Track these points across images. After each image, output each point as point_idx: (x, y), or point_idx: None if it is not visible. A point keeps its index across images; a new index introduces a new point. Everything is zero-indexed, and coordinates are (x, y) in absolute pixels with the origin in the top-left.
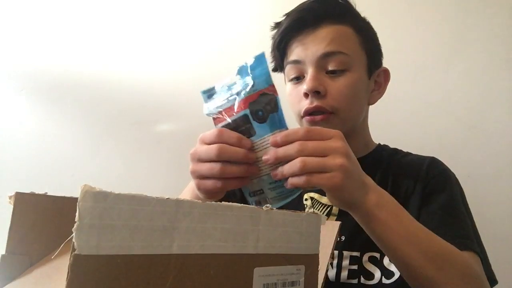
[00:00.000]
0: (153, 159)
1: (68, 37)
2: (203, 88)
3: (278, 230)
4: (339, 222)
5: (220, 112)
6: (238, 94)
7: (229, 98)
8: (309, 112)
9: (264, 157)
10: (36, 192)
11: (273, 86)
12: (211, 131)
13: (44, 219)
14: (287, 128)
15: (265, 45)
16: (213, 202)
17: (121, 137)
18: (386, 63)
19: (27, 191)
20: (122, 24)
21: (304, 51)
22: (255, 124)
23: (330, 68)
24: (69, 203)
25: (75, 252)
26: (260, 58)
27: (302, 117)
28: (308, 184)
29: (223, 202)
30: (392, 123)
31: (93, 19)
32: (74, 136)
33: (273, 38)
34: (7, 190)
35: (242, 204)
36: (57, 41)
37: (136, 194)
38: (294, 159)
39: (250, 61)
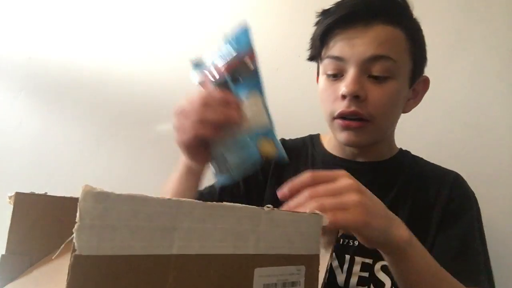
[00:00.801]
0: (153, 159)
1: (68, 37)
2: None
3: (278, 230)
4: None
5: (205, 76)
6: (221, 60)
7: (213, 64)
8: (344, 115)
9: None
10: (36, 192)
11: (252, 54)
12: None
13: (44, 219)
14: (261, 90)
15: (266, 44)
16: (213, 202)
17: (121, 137)
18: None
19: (27, 191)
20: (122, 24)
21: (350, 49)
22: (233, 87)
23: (374, 73)
24: (69, 203)
25: (76, 253)
26: (244, 29)
27: (335, 118)
28: (335, 220)
29: (224, 203)
30: None
31: (93, 18)
32: (74, 136)
33: (317, 25)
34: (7, 190)
35: (242, 205)
36: (57, 40)
37: (136, 195)
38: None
39: (235, 30)
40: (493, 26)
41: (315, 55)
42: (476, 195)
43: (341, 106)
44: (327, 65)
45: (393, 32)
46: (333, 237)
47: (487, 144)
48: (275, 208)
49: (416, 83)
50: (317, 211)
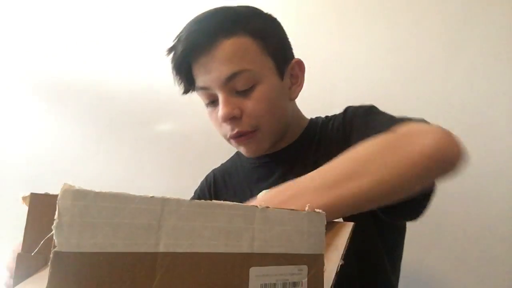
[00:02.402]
0: (153, 159)
1: (68, 37)
2: None
3: (275, 229)
4: (352, 223)
5: None
6: None
7: None
8: (233, 137)
9: None
10: (50, 193)
11: None
12: None
13: None
14: None
15: None
16: (202, 200)
17: (121, 137)
18: (386, 63)
19: (28, 191)
20: (122, 24)
21: (208, 76)
22: None
23: (239, 88)
24: None
25: (55, 249)
26: None
27: (229, 139)
28: None
29: (213, 201)
30: None
31: (93, 19)
32: (74, 136)
33: (171, 62)
34: (7, 190)
35: (234, 203)
36: (57, 41)
37: (118, 193)
38: None
39: None
40: (494, 25)
41: (187, 89)
42: (476, 195)
43: (227, 130)
44: (201, 96)
45: (236, 43)
46: (344, 238)
47: (487, 144)
48: (269, 207)
49: (289, 69)
50: (318, 210)
